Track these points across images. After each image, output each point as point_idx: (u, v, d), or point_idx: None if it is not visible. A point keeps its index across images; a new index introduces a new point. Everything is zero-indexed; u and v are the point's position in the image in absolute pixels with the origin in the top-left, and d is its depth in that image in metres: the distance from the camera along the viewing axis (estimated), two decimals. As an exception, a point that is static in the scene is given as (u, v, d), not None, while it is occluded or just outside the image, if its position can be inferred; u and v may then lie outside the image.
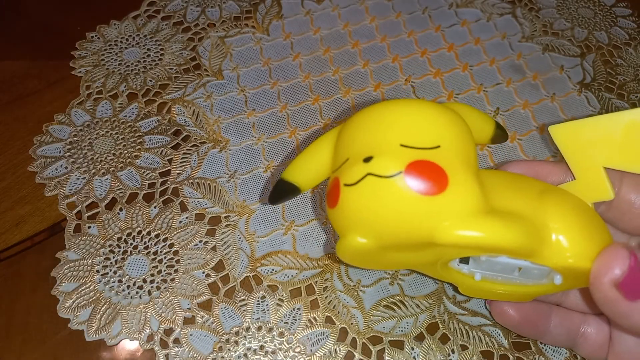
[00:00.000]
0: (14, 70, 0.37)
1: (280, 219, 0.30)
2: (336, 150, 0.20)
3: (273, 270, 0.28)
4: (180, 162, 0.32)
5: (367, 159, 0.18)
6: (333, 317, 0.27)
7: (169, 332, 0.26)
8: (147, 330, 0.26)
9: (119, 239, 0.29)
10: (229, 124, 0.34)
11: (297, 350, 0.26)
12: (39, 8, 0.41)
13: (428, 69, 0.38)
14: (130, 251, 0.29)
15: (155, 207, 0.30)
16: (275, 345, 0.26)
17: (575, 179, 0.21)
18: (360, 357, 0.26)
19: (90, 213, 0.30)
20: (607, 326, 0.23)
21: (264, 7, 0.41)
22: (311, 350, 0.26)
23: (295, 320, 0.27)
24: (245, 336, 0.26)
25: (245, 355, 0.26)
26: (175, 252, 0.29)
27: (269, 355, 0.26)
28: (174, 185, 0.31)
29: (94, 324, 0.26)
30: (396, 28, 0.40)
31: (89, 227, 0.29)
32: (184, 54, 0.38)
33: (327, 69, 0.37)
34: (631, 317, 0.17)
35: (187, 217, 0.30)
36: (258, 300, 0.27)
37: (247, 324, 0.27)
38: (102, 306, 0.27)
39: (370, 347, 0.26)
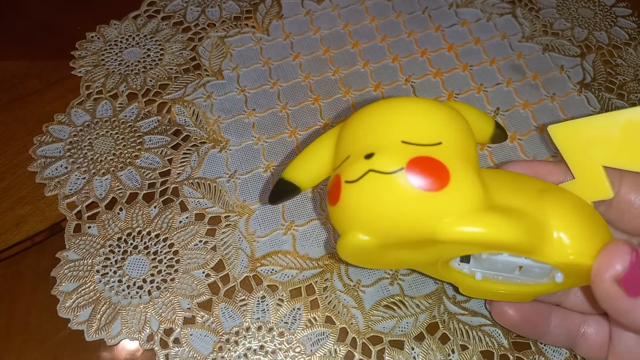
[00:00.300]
0: (14, 70, 0.37)
1: (280, 219, 0.30)
2: (337, 149, 0.20)
3: (273, 270, 0.28)
4: (180, 162, 0.32)
5: (369, 156, 0.18)
6: (333, 317, 0.27)
7: (169, 332, 0.26)
8: (147, 330, 0.26)
9: (119, 239, 0.29)
10: (229, 124, 0.34)
11: (297, 350, 0.26)
12: (39, 8, 0.41)
13: (428, 69, 0.38)
14: (130, 251, 0.29)
15: (155, 207, 0.30)
16: (275, 345, 0.26)
17: (574, 178, 0.21)
18: (360, 357, 0.26)
19: (90, 213, 0.30)
20: (607, 326, 0.23)
21: (264, 7, 0.41)
22: (311, 350, 0.26)
23: (295, 320, 0.27)
24: (245, 336, 0.26)
25: (245, 355, 0.26)
26: (175, 252, 0.29)
27: (269, 355, 0.26)
28: (174, 185, 0.31)
29: (94, 324, 0.26)
30: (396, 28, 0.40)
31: (89, 227, 0.29)
32: (184, 54, 0.38)
33: (327, 69, 0.37)
34: (632, 314, 0.17)
35: (187, 217, 0.30)
36: (258, 300, 0.27)
37: (247, 324, 0.27)
38: (102, 306, 0.27)
39: (370, 347, 0.26)
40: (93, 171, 0.32)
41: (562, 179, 0.22)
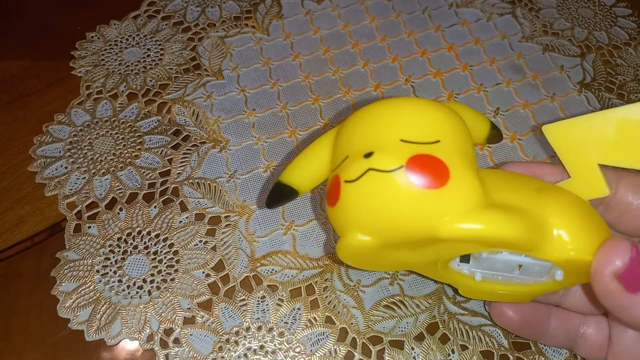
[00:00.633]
0: (14, 70, 0.37)
1: (280, 219, 0.30)
2: (335, 150, 0.20)
3: (273, 270, 0.28)
4: (180, 162, 0.32)
5: (368, 155, 0.18)
6: (333, 317, 0.27)
7: (169, 332, 0.26)
8: (147, 330, 0.26)
9: (119, 239, 0.29)
10: (229, 124, 0.34)
11: (297, 350, 0.26)
12: (39, 8, 0.41)
13: (428, 69, 0.38)
14: (130, 251, 0.29)
15: (155, 207, 0.30)
16: (275, 345, 0.26)
17: (570, 177, 0.21)
18: (360, 357, 0.26)
19: (90, 213, 0.30)
20: (606, 327, 0.23)
21: (264, 7, 0.41)
22: (311, 350, 0.26)
23: (295, 320, 0.27)
24: (245, 336, 0.26)
25: (245, 355, 0.26)
26: (175, 252, 0.29)
27: (269, 355, 0.26)
28: (174, 185, 0.31)
29: (94, 324, 0.26)
30: (396, 28, 0.40)
31: (89, 227, 0.29)
32: (184, 54, 0.38)
33: (327, 69, 0.37)
34: (631, 310, 0.17)
35: (187, 217, 0.30)
36: (258, 300, 0.27)
37: (247, 324, 0.27)
38: (102, 306, 0.27)
39: (370, 347, 0.26)
40: (93, 171, 0.32)
41: (560, 179, 0.22)
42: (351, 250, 0.19)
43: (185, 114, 0.35)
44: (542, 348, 0.26)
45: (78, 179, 0.31)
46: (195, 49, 0.38)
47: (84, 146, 0.33)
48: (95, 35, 0.39)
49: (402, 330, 0.27)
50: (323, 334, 0.26)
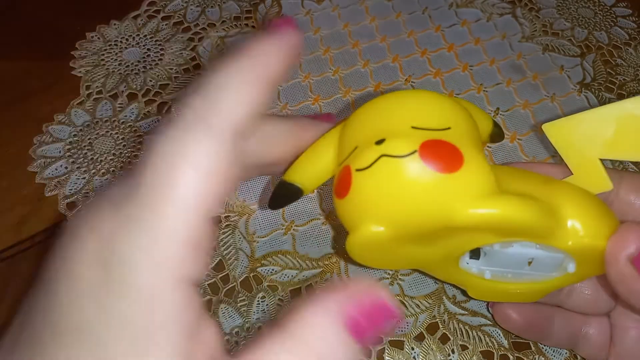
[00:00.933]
0: (14, 70, 0.37)
1: (280, 219, 0.30)
2: (341, 144, 0.20)
3: (273, 270, 0.28)
4: (180, 162, 0.32)
5: (380, 142, 0.17)
6: (333, 317, 0.27)
7: (169, 332, 0.26)
8: (147, 330, 0.26)
9: (119, 239, 0.29)
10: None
11: (297, 350, 0.26)
12: (39, 8, 0.41)
13: (428, 69, 0.38)
14: (130, 251, 0.29)
15: (155, 207, 0.30)
16: (275, 345, 0.26)
17: (572, 174, 0.21)
18: (360, 357, 0.26)
19: (90, 213, 0.30)
20: (609, 327, 0.23)
21: (264, 7, 0.41)
22: (311, 350, 0.26)
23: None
24: (245, 336, 0.26)
25: (245, 355, 0.26)
26: (175, 252, 0.29)
27: (269, 355, 0.26)
28: (174, 185, 0.31)
29: (94, 324, 0.26)
30: (396, 28, 0.40)
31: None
32: (184, 54, 0.38)
33: (327, 69, 0.37)
34: None
35: (187, 217, 0.30)
36: (258, 301, 0.27)
37: (247, 324, 0.27)
38: (102, 306, 0.27)
39: (370, 347, 0.26)
40: (93, 171, 0.32)
41: (561, 178, 0.22)
42: (363, 244, 0.19)
43: (185, 114, 0.34)
44: (542, 348, 0.26)
45: (78, 179, 0.31)
46: (195, 49, 0.38)
47: (84, 146, 0.33)
48: (95, 35, 0.39)
49: (402, 330, 0.27)
50: (323, 334, 0.26)
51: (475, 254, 0.22)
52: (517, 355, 0.26)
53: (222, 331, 0.26)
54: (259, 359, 0.15)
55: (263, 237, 0.29)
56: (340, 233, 0.29)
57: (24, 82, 0.36)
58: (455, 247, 0.20)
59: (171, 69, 0.37)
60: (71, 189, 0.31)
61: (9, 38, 0.39)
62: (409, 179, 0.17)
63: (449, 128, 0.18)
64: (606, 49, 0.39)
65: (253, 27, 0.40)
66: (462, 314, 0.27)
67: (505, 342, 0.26)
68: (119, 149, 0.33)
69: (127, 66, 0.37)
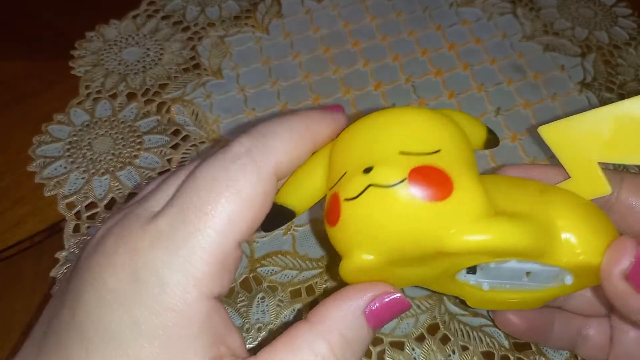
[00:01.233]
0: (14, 70, 0.37)
1: (280, 219, 0.30)
2: (331, 167, 0.20)
3: (273, 270, 0.28)
4: (180, 162, 0.32)
5: (367, 170, 0.17)
6: (333, 318, 0.27)
7: (168, 332, 0.26)
8: (147, 331, 0.26)
9: (119, 239, 0.29)
10: (228, 124, 0.34)
11: (297, 350, 0.26)
12: (39, 8, 0.41)
13: (428, 69, 0.38)
14: (130, 251, 0.29)
15: (154, 207, 0.30)
16: (275, 345, 0.26)
17: (570, 177, 0.21)
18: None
19: (89, 213, 0.30)
20: (608, 328, 0.23)
21: (264, 6, 0.41)
22: (311, 351, 0.26)
23: (296, 321, 0.27)
24: (245, 337, 0.26)
25: (245, 355, 0.26)
26: (175, 253, 0.29)
27: (268, 356, 0.26)
28: (173, 185, 0.31)
29: (93, 325, 0.26)
30: (396, 27, 0.40)
31: (88, 227, 0.29)
32: (183, 53, 0.38)
33: (327, 68, 0.37)
34: None
35: (186, 217, 0.30)
36: (258, 301, 0.27)
37: (247, 324, 0.27)
38: (102, 306, 0.27)
39: (371, 347, 0.26)
40: (92, 171, 0.32)
41: (561, 180, 0.22)
42: (355, 271, 0.19)
43: (185, 114, 0.34)
44: (543, 348, 0.26)
45: (77, 179, 0.31)
46: (194, 49, 0.38)
47: (84, 146, 0.33)
48: (95, 35, 0.39)
49: (402, 331, 0.27)
50: (323, 335, 0.26)
51: (471, 269, 0.22)
52: (517, 355, 0.26)
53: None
54: (294, 344, 0.17)
55: (263, 238, 0.29)
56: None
57: (23, 82, 0.36)
58: (450, 267, 0.20)
59: (170, 68, 0.37)
60: (70, 189, 0.31)
61: (9, 38, 0.39)
62: (398, 208, 0.17)
63: (438, 151, 0.17)
64: (606, 48, 0.39)
65: (253, 26, 0.40)
66: (463, 315, 0.27)
67: (506, 343, 0.26)
68: (118, 148, 0.33)
69: (127, 66, 0.37)
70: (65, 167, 0.32)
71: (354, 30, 0.40)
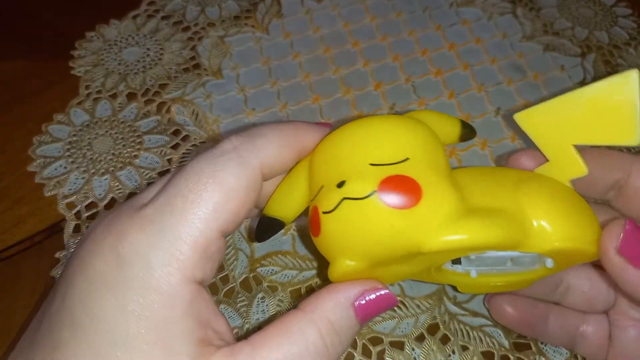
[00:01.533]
0: (14, 70, 0.37)
1: (280, 219, 0.30)
2: (310, 179, 0.21)
3: (273, 270, 0.28)
4: (180, 162, 0.32)
5: (340, 184, 0.18)
6: (333, 318, 0.27)
7: (168, 332, 0.26)
8: (147, 331, 0.26)
9: (119, 239, 0.29)
10: (228, 124, 0.34)
11: (297, 350, 0.26)
12: (39, 8, 0.41)
13: (428, 69, 0.38)
14: (130, 251, 0.29)
15: (154, 207, 0.30)
16: (275, 345, 0.26)
17: (549, 161, 0.21)
18: (360, 358, 0.26)
19: (89, 213, 0.30)
20: (607, 326, 0.23)
21: (264, 6, 0.41)
22: (311, 351, 0.26)
23: (295, 320, 0.27)
24: (245, 337, 0.26)
25: (245, 355, 0.26)
26: (175, 252, 0.29)
27: (268, 356, 0.26)
28: (173, 185, 0.31)
29: (93, 325, 0.26)
30: (396, 27, 0.40)
31: (88, 227, 0.29)
32: (183, 53, 0.38)
33: (327, 68, 0.37)
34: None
35: (186, 217, 0.30)
36: (258, 301, 0.27)
37: (247, 324, 0.27)
38: (102, 306, 0.27)
39: (371, 347, 0.26)
40: (92, 171, 0.32)
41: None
42: (341, 276, 0.20)
43: (185, 114, 0.34)
44: (543, 349, 0.26)
45: (77, 179, 0.31)
46: (194, 49, 0.38)
47: (84, 146, 0.33)
48: (95, 35, 0.39)
49: (402, 331, 0.27)
50: (323, 335, 0.26)
51: (456, 260, 0.23)
52: (517, 355, 0.26)
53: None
54: (286, 330, 0.18)
55: (263, 237, 0.29)
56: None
57: (23, 82, 0.36)
58: (434, 261, 0.21)
59: (170, 68, 0.37)
60: (70, 189, 0.31)
61: (9, 38, 0.39)
62: (372, 218, 0.18)
63: (406, 159, 0.18)
64: (606, 48, 0.39)
65: (253, 26, 0.40)
66: (463, 315, 0.27)
67: (506, 343, 0.26)
68: (118, 148, 0.33)
69: (127, 66, 0.37)
70: (65, 167, 0.32)
71: (354, 30, 0.40)
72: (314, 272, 0.28)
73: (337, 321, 0.18)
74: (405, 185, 0.18)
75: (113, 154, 0.32)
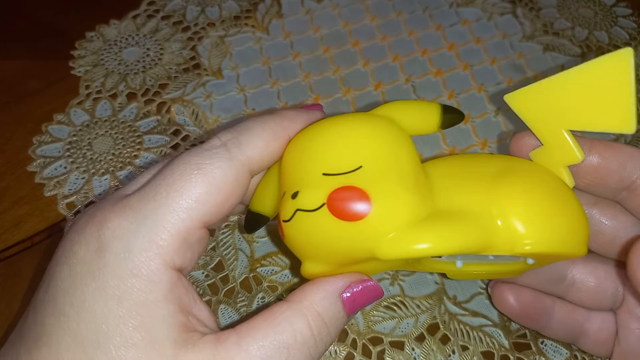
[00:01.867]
0: (14, 70, 0.37)
1: (280, 219, 0.30)
2: (279, 182, 0.21)
3: (273, 270, 0.28)
4: (180, 162, 0.32)
5: (294, 195, 0.18)
6: (333, 318, 0.27)
7: (168, 332, 0.26)
8: (147, 331, 0.26)
9: (119, 239, 0.29)
10: (228, 124, 0.34)
11: (297, 350, 0.26)
12: (39, 8, 0.41)
13: (428, 69, 0.38)
14: (130, 251, 0.29)
15: (154, 207, 0.30)
16: (275, 345, 0.26)
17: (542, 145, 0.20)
18: (360, 358, 0.26)
19: (89, 213, 0.30)
20: (611, 324, 0.23)
21: (264, 6, 0.41)
22: (311, 351, 0.26)
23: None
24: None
25: (245, 355, 0.26)
26: (175, 252, 0.29)
27: (268, 356, 0.26)
28: (173, 185, 0.31)
29: (93, 325, 0.26)
30: (396, 27, 0.40)
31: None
32: (183, 53, 0.38)
33: (327, 68, 0.37)
34: None
35: (186, 217, 0.30)
36: (258, 301, 0.27)
37: (247, 324, 0.26)
38: (102, 306, 0.27)
39: (371, 347, 0.26)
40: (92, 171, 0.32)
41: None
42: (311, 275, 0.20)
43: (185, 114, 0.34)
44: (543, 349, 0.26)
45: (77, 179, 0.31)
46: (194, 49, 0.38)
47: (83, 146, 0.33)
48: (95, 35, 0.39)
49: (402, 331, 0.27)
50: (323, 335, 0.26)
51: None
52: (517, 355, 0.26)
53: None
54: (273, 320, 0.18)
55: (263, 238, 0.29)
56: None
57: (23, 82, 0.36)
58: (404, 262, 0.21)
59: (170, 68, 0.37)
60: (70, 189, 0.31)
61: (9, 38, 0.39)
62: (324, 229, 0.18)
63: (359, 167, 0.18)
64: (606, 48, 0.39)
65: (253, 26, 0.40)
66: (463, 315, 0.27)
67: (506, 343, 0.26)
68: (118, 148, 0.33)
69: (127, 66, 0.37)
70: (65, 167, 0.32)
71: (354, 30, 0.40)
72: (314, 272, 0.28)
73: (324, 312, 0.19)
74: (353, 197, 0.17)
75: (113, 154, 0.32)
